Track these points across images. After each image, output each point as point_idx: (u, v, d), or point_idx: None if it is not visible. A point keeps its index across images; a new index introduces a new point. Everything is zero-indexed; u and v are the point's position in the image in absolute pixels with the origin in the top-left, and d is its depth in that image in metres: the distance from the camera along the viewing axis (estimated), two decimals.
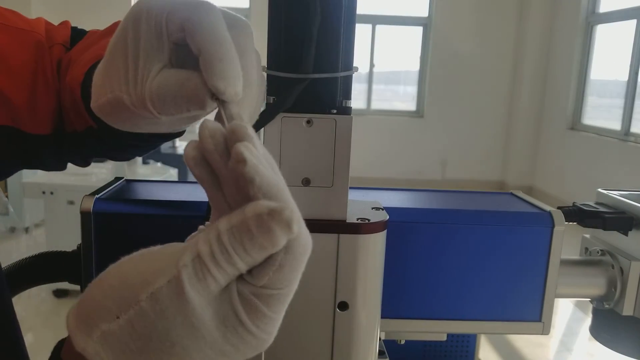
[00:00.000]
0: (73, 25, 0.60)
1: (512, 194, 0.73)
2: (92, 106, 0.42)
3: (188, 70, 0.37)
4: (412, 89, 6.70)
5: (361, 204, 0.53)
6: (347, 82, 0.46)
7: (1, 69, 0.51)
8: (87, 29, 0.61)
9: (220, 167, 0.31)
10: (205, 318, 0.29)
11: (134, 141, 0.54)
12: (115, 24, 0.56)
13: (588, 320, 0.87)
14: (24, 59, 0.53)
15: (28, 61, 0.53)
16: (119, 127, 0.44)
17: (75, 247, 0.61)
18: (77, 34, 0.58)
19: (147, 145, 0.58)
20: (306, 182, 0.47)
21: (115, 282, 0.30)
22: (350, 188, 0.50)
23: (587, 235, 0.75)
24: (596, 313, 0.72)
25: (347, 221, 0.48)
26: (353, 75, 0.47)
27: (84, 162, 0.63)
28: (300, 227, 0.29)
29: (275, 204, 0.28)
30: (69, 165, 0.64)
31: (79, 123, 0.55)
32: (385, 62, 6.74)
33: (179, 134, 0.55)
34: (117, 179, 0.67)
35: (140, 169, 3.33)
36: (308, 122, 0.46)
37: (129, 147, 0.58)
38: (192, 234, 0.35)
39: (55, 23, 0.60)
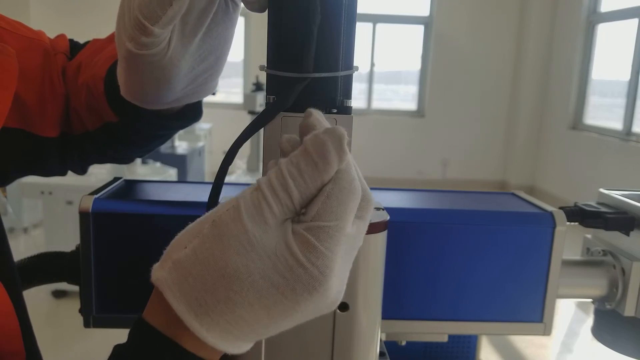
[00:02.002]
0: (71, 28, 0.63)
1: (513, 194, 0.72)
2: (123, 92, 0.48)
3: None
4: (413, 89, 6.70)
5: None
6: (348, 82, 0.46)
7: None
8: (84, 28, 0.63)
9: None
10: (257, 243, 0.30)
11: (151, 129, 0.57)
12: None
13: (589, 321, 0.87)
14: (34, 64, 0.56)
15: (38, 66, 0.56)
16: (142, 99, 0.49)
17: (74, 248, 0.61)
18: (75, 45, 0.62)
19: (164, 132, 0.60)
20: None
21: (191, 224, 0.33)
22: None
23: (589, 236, 0.74)
24: (598, 314, 0.72)
25: None
26: (353, 74, 0.47)
27: (81, 169, 0.66)
28: (348, 165, 0.33)
29: (332, 126, 0.32)
30: None
31: (92, 121, 0.58)
32: (386, 61, 6.74)
33: (196, 117, 0.59)
34: (116, 179, 0.67)
35: (139, 169, 3.33)
36: None
37: (143, 139, 0.60)
38: None
39: (54, 24, 0.63)
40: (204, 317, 0.31)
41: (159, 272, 0.32)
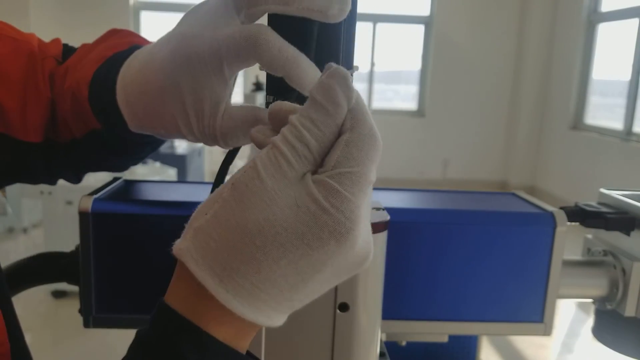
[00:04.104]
0: (68, 36, 0.61)
1: (514, 194, 0.72)
2: (133, 127, 0.48)
3: (248, 105, 0.43)
4: (414, 88, 6.70)
5: None
6: None
7: None
8: (83, 28, 0.61)
9: None
10: (278, 198, 0.30)
11: (139, 136, 0.53)
12: (110, 32, 0.57)
13: (590, 321, 0.87)
14: (16, 66, 0.54)
15: (20, 69, 0.54)
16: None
17: (73, 248, 0.61)
18: (68, 50, 0.60)
19: (153, 139, 0.57)
20: None
21: (211, 194, 0.33)
22: None
23: (589, 236, 0.74)
24: (598, 314, 0.72)
25: None
26: (354, 74, 0.47)
27: (75, 178, 0.62)
28: (363, 109, 0.32)
29: (333, 68, 0.32)
30: None
31: (78, 128, 0.54)
32: (386, 61, 6.74)
33: None
34: (116, 179, 0.67)
35: (138, 169, 3.33)
36: None
37: (133, 146, 0.57)
38: None
39: (54, 31, 0.60)
40: (229, 281, 0.30)
41: (180, 244, 0.31)
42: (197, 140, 0.44)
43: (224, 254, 0.30)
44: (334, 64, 0.32)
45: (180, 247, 0.31)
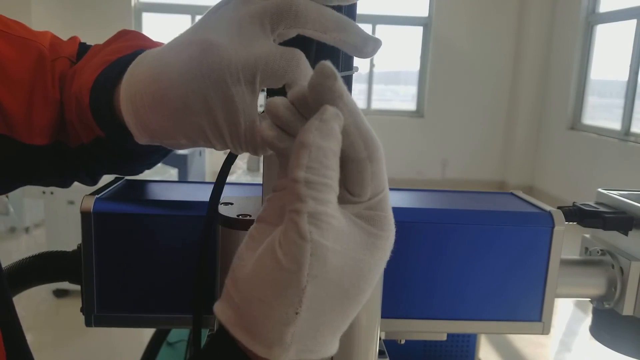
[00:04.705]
0: (71, 38, 0.59)
1: (512, 193, 0.73)
2: (140, 138, 0.44)
3: None
4: (413, 89, 6.71)
5: None
6: (348, 82, 0.46)
7: None
8: (87, 35, 0.59)
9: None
10: (350, 246, 0.32)
11: (148, 148, 0.51)
12: (120, 33, 0.55)
13: (588, 320, 0.87)
14: (22, 67, 0.52)
15: (27, 70, 0.52)
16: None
17: (75, 247, 0.61)
18: (85, 49, 0.57)
19: (164, 149, 0.56)
20: None
21: (268, 293, 0.32)
22: None
23: (587, 235, 0.75)
24: (596, 313, 0.72)
25: None
26: (353, 75, 0.47)
27: (90, 180, 0.61)
28: (372, 138, 0.33)
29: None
30: None
31: (85, 134, 0.53)
32: (386, 62, 6.74)
33: None
34: (118, 179, 0.67)
35: None
36: None
37: (140, 154, 0.56)
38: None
39: (55, 31, 0.59)
40: (336, 341, 0.35)
41: (284, 356, 0.32)
42: (225, 148, 0.42)
43: (329, 329, 0.33)
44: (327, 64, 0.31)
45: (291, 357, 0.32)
